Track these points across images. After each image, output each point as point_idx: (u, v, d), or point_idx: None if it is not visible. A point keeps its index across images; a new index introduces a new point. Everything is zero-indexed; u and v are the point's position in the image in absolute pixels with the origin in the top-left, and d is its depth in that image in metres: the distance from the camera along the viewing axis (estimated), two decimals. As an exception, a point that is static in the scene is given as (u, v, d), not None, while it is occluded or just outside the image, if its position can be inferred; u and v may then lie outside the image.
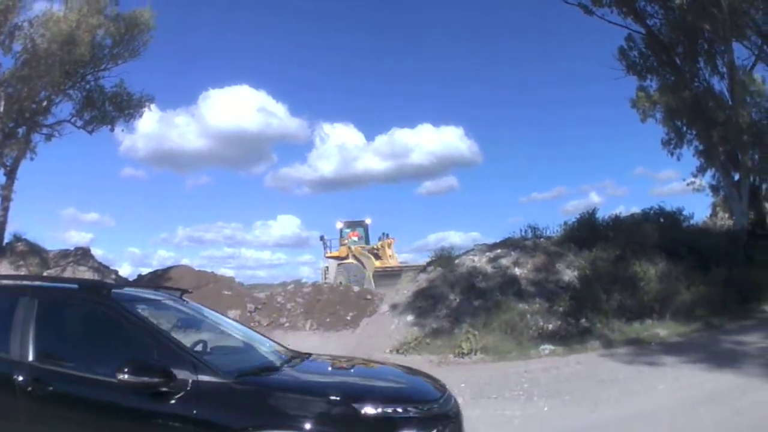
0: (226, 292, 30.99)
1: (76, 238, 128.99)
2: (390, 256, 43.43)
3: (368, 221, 51.59)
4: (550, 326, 21.79)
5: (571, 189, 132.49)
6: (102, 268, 29.23)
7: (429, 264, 27.52)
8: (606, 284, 22.96)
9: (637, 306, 22.83)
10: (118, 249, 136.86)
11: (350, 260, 45.05)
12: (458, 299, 23.60)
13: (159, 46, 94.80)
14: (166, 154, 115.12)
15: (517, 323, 21.45)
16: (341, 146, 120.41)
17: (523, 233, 29.12)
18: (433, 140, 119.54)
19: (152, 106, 36.66)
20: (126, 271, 66.24)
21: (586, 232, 27.20)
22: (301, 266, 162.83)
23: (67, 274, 26.76)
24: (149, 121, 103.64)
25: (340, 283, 37.57)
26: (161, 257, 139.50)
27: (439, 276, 25.26)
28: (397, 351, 21.20)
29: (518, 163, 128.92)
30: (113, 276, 28.90)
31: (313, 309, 29.54)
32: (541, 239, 28.10)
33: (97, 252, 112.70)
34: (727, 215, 36.02)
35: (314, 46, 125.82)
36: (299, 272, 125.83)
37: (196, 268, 35.06)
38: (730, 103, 30.82)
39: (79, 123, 34.13)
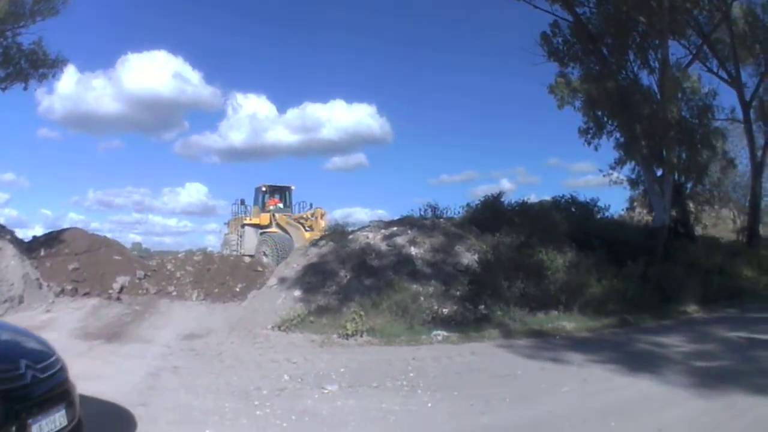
0: (116, 257, 28.85)
1: None
2: (323, 228, 33.75)
3: (293, 188, 44.74)
4: (446, 310, 19.66)
5: (482, 174, 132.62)
6: None
7: (321, 238, 25.44)
8: (509, 271, 20.65)
9: (542, 296, 20.71)
10: (31, 210, 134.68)
11: (274, 229, 39.17)
12: (348, 276, 21.42)
13: (81, 6, 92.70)
14: (82, 116, 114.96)
15: (409, 305, 18.98)
16: (252, 117, 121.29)
17: (422, 212, 27.21)
18: (344, 116, 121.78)
19: (67, 68, 33.93)
20: (38, 232, 63.70)
21: (490, 215, 25.28)
22: (208, 234, 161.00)
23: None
24: (67, 82, 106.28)
25: (264, 253, 35.53)
26: (72, 220, 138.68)
27: (330, 251, 23.00)
28: (279, 327, 18.78)
29: (429, 144, 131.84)
30: (8, 237, 25.95)
31: (203, 278, 27.77)
32: (441, 219, 26.11)
33: (11, 213, 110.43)
34: (645, 211, 34.78)
35: (233, 16, 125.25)
36: (205, 240, 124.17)
37: (89, 232, 32.36)
38: (658, 98, 29.13)
39: None
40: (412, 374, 13.81)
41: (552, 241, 21.95)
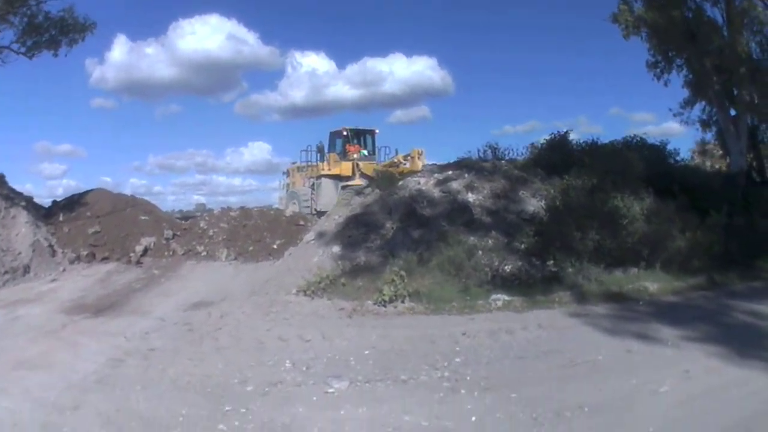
0: (143, 217, 25.64)
1: (49, 170, 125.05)
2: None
3: (377, 131, 36.48)
4: (508, 267, 15.48)
5: (545, 124, 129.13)
6: (13, 195, 23.85)
7: (367, 186, 21.41)
8: (581, 219, 16.26)
9: (618, 250, 16.21)
10: (91, 179, 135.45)
11: (359, 181, 30.62)
12: (394, 228, 17.28)
13: None
14: (137, 83, 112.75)
15: (464, 262, 14.88)
16: (312, 74, 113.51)
17: (482, 154, 22.58)
18: (405, 70, 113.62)
19: (116, 38, 32.07)
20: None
21: (558, 156, 20.72)
22: (273, 192, 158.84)
23: (-30, 200, 22.29)
24: (119, 52, 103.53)
25: None
26: (134, 185, 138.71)
27: (376, 200, 18.97)
28: (304, 292, 14.58)
29: (491, 95, 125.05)
30: (22, 203, 23.39)
31: (237, 236, 24.35)
32: (503, 161, 21.47)
33: (70, 182, 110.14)
34: (718, 155, 31.23)
35: None
36: (271, 198, 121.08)
37: (114, 193, 29.06)
38: (725, 31, 25.40)
39: (23, 49, 28.71)
40: (458, 359, 9.83)
41: (627, 186, 17.60)
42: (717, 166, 29.83)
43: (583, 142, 22.46)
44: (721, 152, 30.69)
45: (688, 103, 28.70)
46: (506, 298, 13.80)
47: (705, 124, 29.29)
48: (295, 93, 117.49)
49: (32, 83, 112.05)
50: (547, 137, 22.82)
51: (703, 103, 28.29)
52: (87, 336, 12.48)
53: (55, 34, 28.78)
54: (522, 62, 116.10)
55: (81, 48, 29.58)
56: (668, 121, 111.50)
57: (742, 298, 14.82)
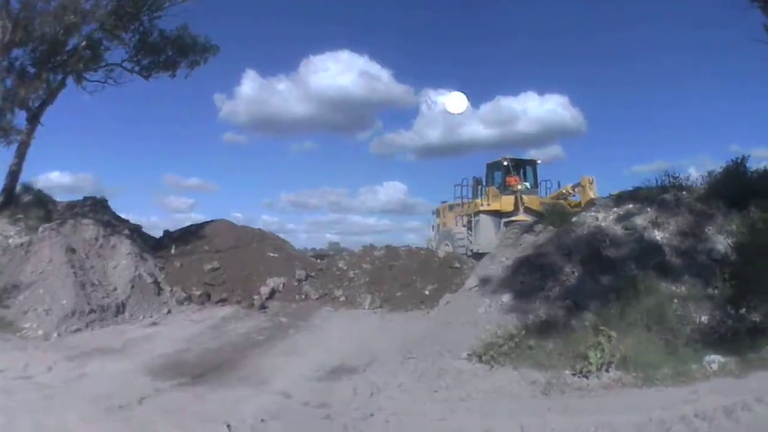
0: (271, 254, 23.45)
1: (176, 203, 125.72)
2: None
3: (539, 161, 33.95)
4: (705, 319, 12.71)
5: (671, 163, 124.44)
6: (116, 222, 22.61)
7: (536, 223, 18.37)
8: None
9: None
10: (221, 214, 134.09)
11: (523, 216, 28.21)
12: (577, 273, 14.45)
13: (259, 13, 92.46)
14: (268, 119, 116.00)
15: (667, 315, 12.38)
16: (446, 112, 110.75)
17: (658, 182, 19.20)
18: (537, 108, 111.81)
19: (216, 53, 29.94)
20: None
21: (734, 186, 17.38)
22: (408, 233, 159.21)
23: (67, 227, 20.33)
24: (249, 87, 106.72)
25: None
26: (265, 222, 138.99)
27: (550, 239, 16.14)
28: (480, 357, 11.72)
29: (622, 133, 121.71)
30: (125, 232, 22.03)
31: (382, 279, 21.91)
32: (684, 192, 18.14)
33: (198, 217, 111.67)
34: None
35: (417, 12, 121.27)
36: (406, 239, 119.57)
37: (240, 225, 27.02)
38: None
39: (137, 69, 28.33)
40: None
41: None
42: None
43: (757, 170, 19.18)
44: None
45: None
46: (721, 359, 11.09)
47: None
48: (430, 132, 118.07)
49: (160, 116, 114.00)
50: (724, 165, 19.42)
51: None
52: (170, 422, 8.90)
53: (172, 55, 28.39)
54: (650, 98, 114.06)
55: (208, 81, 29.01)
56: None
57: None
